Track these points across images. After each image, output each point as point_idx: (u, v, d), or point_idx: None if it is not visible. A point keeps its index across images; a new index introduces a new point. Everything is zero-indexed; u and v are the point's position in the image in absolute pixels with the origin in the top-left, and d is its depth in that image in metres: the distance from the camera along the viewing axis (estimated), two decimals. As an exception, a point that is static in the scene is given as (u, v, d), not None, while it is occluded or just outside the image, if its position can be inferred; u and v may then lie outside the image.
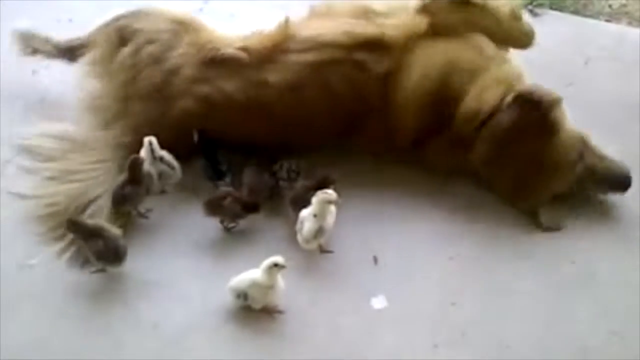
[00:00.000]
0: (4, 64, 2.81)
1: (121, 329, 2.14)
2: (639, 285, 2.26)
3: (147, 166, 2.38)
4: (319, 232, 2.25)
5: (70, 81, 2.64)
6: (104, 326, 2.15)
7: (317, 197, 2.23)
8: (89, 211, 2.34)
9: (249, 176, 2.42)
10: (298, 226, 2.27)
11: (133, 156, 2.37)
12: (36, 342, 2.11)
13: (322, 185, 2.31)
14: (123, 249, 2.22)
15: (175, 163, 2.44)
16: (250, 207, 2.35)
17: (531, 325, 2.18)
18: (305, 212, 2.26)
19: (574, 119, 2.74)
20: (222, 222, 2.36)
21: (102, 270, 2.25)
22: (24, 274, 2.25)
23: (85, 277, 2.25)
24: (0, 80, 2.79)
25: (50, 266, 2.26)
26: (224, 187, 2.41)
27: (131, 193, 2.36)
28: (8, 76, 2.80)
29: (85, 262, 2.26)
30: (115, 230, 2.23)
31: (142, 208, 2.41)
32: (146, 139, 2.40)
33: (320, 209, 2.23)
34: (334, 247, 2.33)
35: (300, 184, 2.40)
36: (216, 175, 2.47)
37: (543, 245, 2.37)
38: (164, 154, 2.42)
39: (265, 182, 2.43)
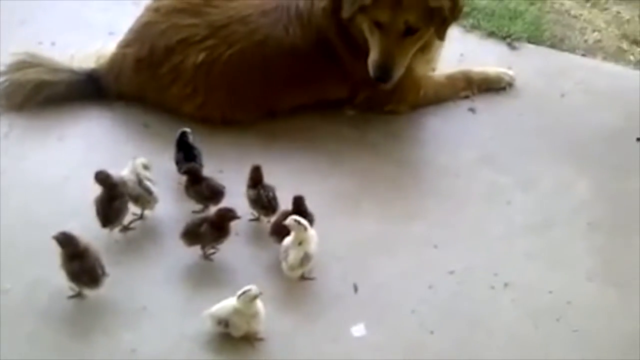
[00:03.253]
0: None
1: (98, 355, 2.11)
2: (613, 315, 2.30)
3: (119, 176, 2.39)
4: (305, 259, 2.25)
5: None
6: (80, 352, 2.12)
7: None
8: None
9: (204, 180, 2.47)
10: (282, 255, 2.27)
11: (98, 170, 2.35)
12: (10, 368, 2.07)
13: (298, 208, 2.32)
14: (100, 271, 2.18)
15: (153, 188, 2.42)
16: (228, 215, 2.32)
17: (508, 353, 2.19)
18: (287, 241, 2.27)
19: (551, 150, 2.81)
20: (203, 248, 2.35)
21: (79, 295, 2.22)
22: (-2, 298, 2.22)
23: (61, 303, 2.22)
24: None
25: (26, 291, 2.23)
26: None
27: (117, 207, 2.35)
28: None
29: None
30: (95, 252, 2.19)
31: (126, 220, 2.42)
32: (134, 160, 2.42)
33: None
34: (314, 275, 2.33)
35: (279, 212, 2.40)
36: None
37: (520, 275, 2.39)
38: (145, 177, 2.42)
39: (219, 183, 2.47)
